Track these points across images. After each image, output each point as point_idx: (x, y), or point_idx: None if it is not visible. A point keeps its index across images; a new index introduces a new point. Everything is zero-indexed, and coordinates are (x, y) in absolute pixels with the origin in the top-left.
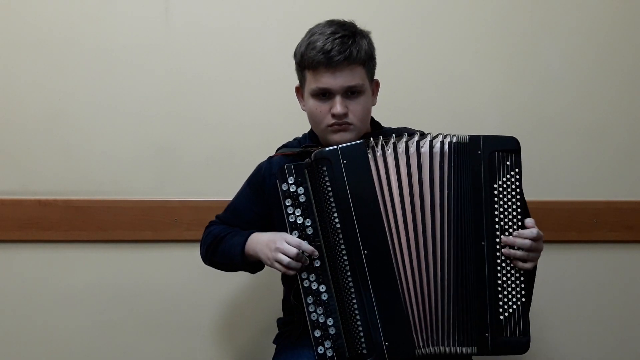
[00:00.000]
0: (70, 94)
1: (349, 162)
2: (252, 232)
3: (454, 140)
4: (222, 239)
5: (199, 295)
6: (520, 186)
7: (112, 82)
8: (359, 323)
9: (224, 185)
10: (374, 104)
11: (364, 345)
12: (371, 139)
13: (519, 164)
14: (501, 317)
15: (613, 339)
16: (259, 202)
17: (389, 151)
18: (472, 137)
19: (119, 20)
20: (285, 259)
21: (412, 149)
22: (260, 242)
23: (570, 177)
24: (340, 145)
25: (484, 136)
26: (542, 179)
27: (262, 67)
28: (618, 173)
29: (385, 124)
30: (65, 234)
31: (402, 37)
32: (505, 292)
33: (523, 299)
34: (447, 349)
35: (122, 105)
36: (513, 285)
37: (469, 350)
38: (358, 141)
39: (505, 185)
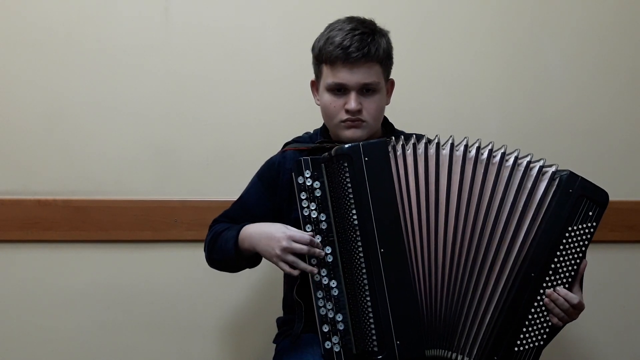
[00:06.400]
0: (70, 94)
1: (370, 160)
2: (244, 225)
3: (556, 172)
4: (219, 234)
5: (198, 295)
6: (590, 240)
7: (112, 81)
8: (371, 320)
9: (224, 185)
10: (387, 104)
11: (375, 342)
12: (392, 137)
13: (598, 219)
14: (515, 348)
15: (613, 339)
16: (270, 197)
17: (409, 151)
18: (571, 174)
19: (119, 20)
20: (297, 261)
21: (459, 153)
22: (259, 235)
23: None
24: (362, 142)
25: (582, 178)
26: None
27: (262, 66)
28: (618, 173)
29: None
30: (65, 234)
31: (401, 38)
32: (530, 329)
33: (541, 342)
34: (454, 354)
35: (122, 105)
36: (539, 326)
37: None
38: (380, 139)
39: (578, 232)
